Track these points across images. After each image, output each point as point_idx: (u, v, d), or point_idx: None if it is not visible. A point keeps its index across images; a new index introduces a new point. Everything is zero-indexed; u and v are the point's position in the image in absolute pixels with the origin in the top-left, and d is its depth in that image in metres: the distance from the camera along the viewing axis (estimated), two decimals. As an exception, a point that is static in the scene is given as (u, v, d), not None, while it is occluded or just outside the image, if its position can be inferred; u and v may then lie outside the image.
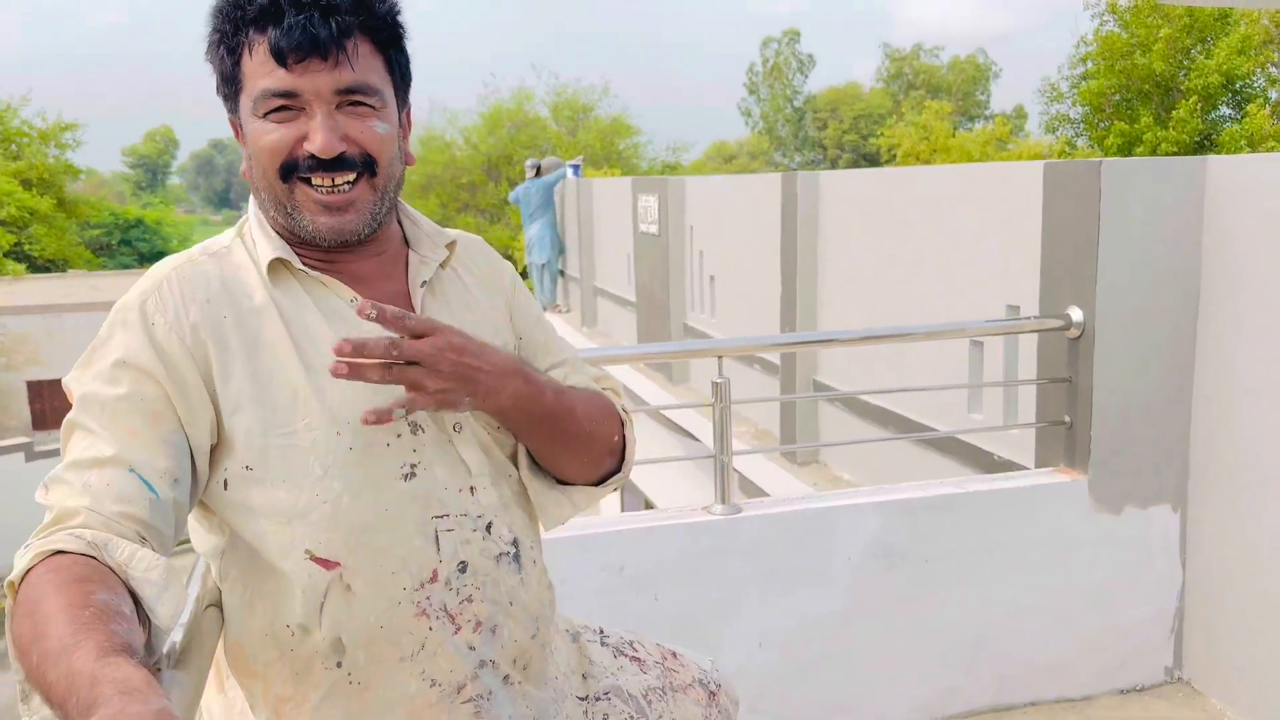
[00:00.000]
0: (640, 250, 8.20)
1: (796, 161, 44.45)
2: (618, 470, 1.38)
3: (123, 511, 1.05)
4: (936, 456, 4.26)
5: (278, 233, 1.23)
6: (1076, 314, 2.84)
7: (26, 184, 30.18)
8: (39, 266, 30.07)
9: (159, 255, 38.55)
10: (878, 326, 4.52)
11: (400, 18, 1.22)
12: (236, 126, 1.22)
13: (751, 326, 6.23)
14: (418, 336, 1.11)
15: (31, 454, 16.91)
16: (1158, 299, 2.84)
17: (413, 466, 1.20)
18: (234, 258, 1.23)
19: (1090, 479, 2.88)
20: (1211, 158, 2.86)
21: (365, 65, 1.17)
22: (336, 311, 1.22)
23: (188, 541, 1.25)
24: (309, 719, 1.21)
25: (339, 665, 1.19)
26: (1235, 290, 2.76)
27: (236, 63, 1.17)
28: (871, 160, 34.42)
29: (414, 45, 1.28)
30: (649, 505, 7.41)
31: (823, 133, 42.97)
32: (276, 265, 1.21)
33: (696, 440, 6.65)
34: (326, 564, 1.17)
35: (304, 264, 1.22)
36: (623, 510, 8.53)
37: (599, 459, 1.35)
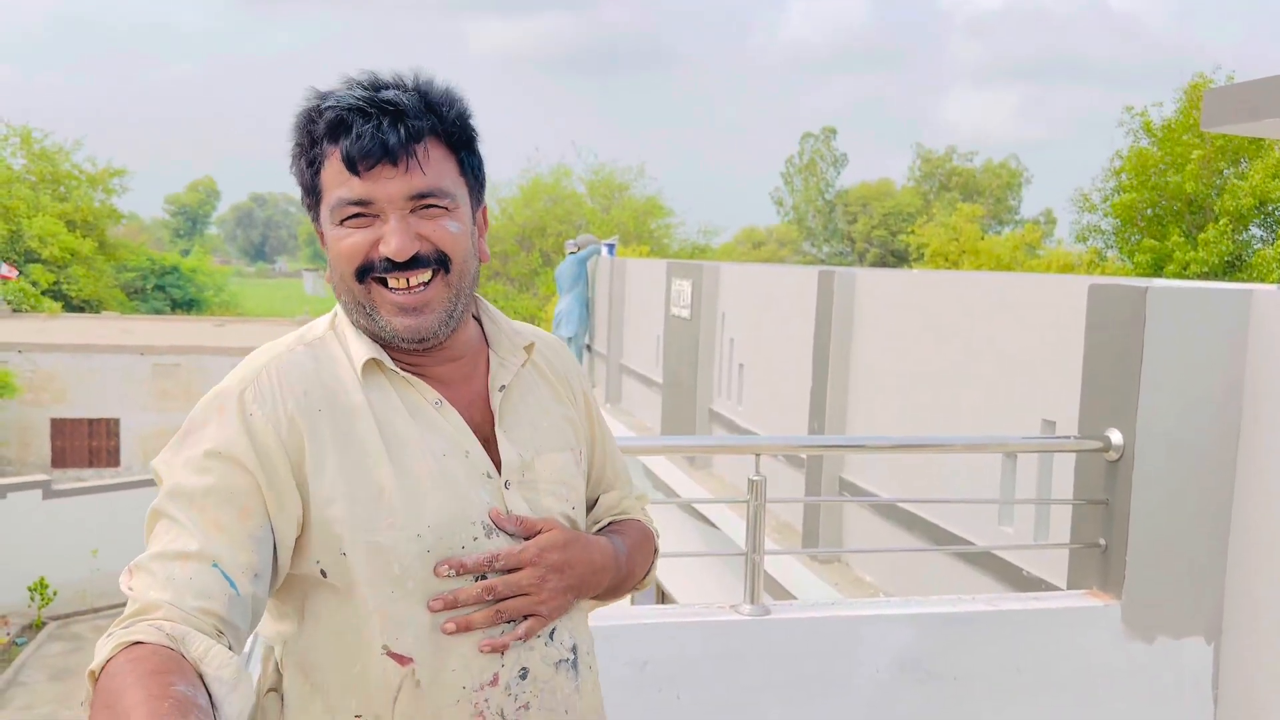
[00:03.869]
0: (671, 333, 8.25)
1: (825, 252, 44.86)
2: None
3: (202, 607, 1.06)
4: (963, 566, 4.20)
5: (371, 334, 1.25)
6: (1116, 436, 2.82)
7: (71, 225, 30.91)
8: (74, 306, 30.60)
9: (192, 302, 38.93)
10: (913, 435, 4.51)
11: (471, 121, 1.26)
12: (320, 234, 1.26)
13: (779, 417, 6.22)
14: (515, 568, 1.21)
15: (49, 491, 16.98)
16: (1198, 426, 2.82)
17: (476, 555, 1.22)
18: (329, 350, 1.25)
19: (1124, 605, 2.83)
20: (1256, 288, 2.88)
21: (437, 169, 1.20)
22: (422, 412, 1.24)
23: None
24: None
25: None
26: (1277, 421, 2.75)
27: (315, 174, 1.21)
28: (899, 257, 34.70)
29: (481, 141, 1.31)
30: (663, 597, 7.31)
31: (852, 226, 43.42)
32: (370, 364, 1.24)
33: (715, 529, 6.59)
34: (401, 660, 1.18)
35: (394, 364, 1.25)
36: (632, 602, 8.41)
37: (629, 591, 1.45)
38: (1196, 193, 18.78)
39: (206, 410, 1.20)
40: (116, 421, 22.05)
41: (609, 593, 1.38)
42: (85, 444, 21.81)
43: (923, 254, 22.04)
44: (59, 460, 21.59)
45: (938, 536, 4.35)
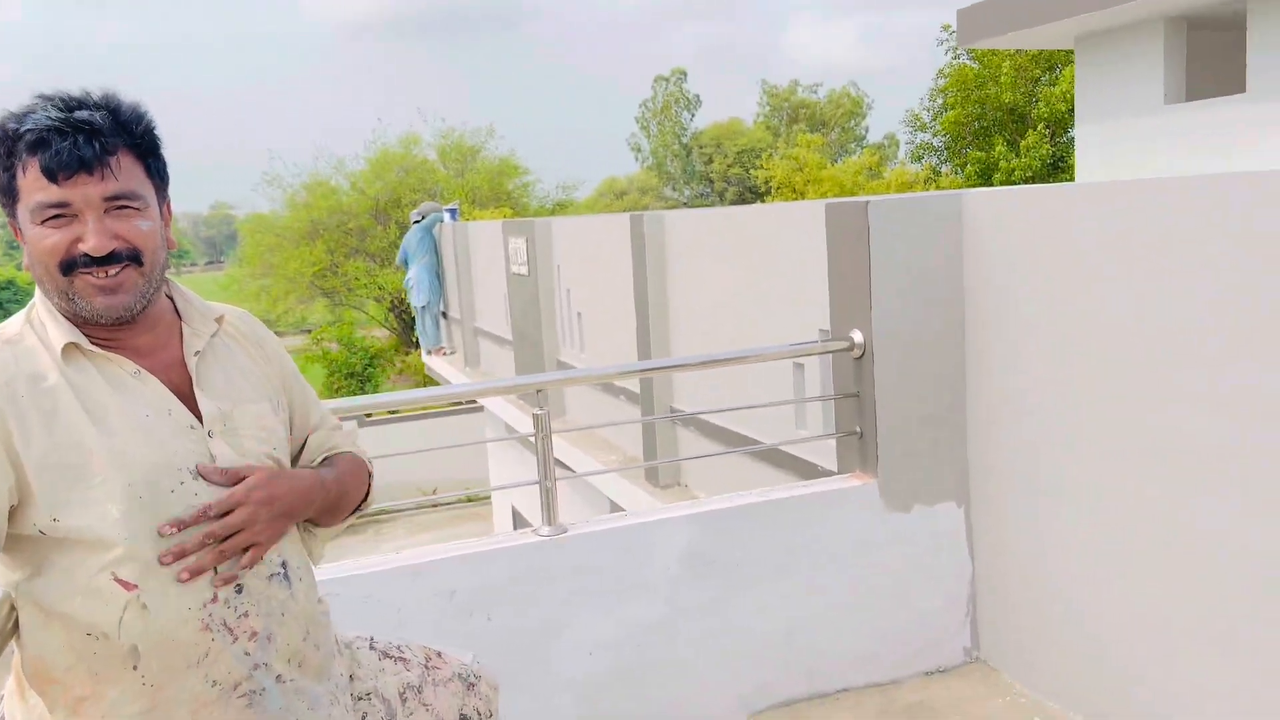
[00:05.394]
0: (513, 291, 8.43)
1: (686, 195, 45.35)
2: (358, 509, 1.71)
3: None
4: (775, 472, 4.58)
5: (65, 317, 1.45)
6: (858, 336, 3.18)
7: (-117, 248, 28.80)
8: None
9: (33, 315, 37.16)
10: (678, 357, 4.86)
11: (155, 131, 1.48)
12: (16, 229, 1.45)
13: (616, 359, 6.50)
14: (226, 513, 1.42)
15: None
16: (928, 320, 3.20)
17: (193, 507, 1.43)
18: (26, 343, 1.45)
19: (880, 482, 3.21)
20: (966, 193, 3.25)
21: (127, 174, 1.43)
22: (120, 381, 1.45)
23: None
24: (106, 714, 1.42)
25: (135, 668, 1.41)
26: (995, 309, 3.14)
27: (12, 178, 1.41)
28: (755, 193, 35.44)
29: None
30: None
31: (709, 167, 43.98)
32: (69, 348, 1.43)
33: (570, 469, 6.87)
34: (127, 586, 1.39)
35: (92, 344, 1.45)
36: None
37: (350, 511, 1.69)
38: (1015, 102, 19.84)
39: None
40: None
41: (328, 514, 1.62)
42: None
43: (770, 187, 22.76)
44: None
45: (752, 449, 4.71)
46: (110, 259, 1.40)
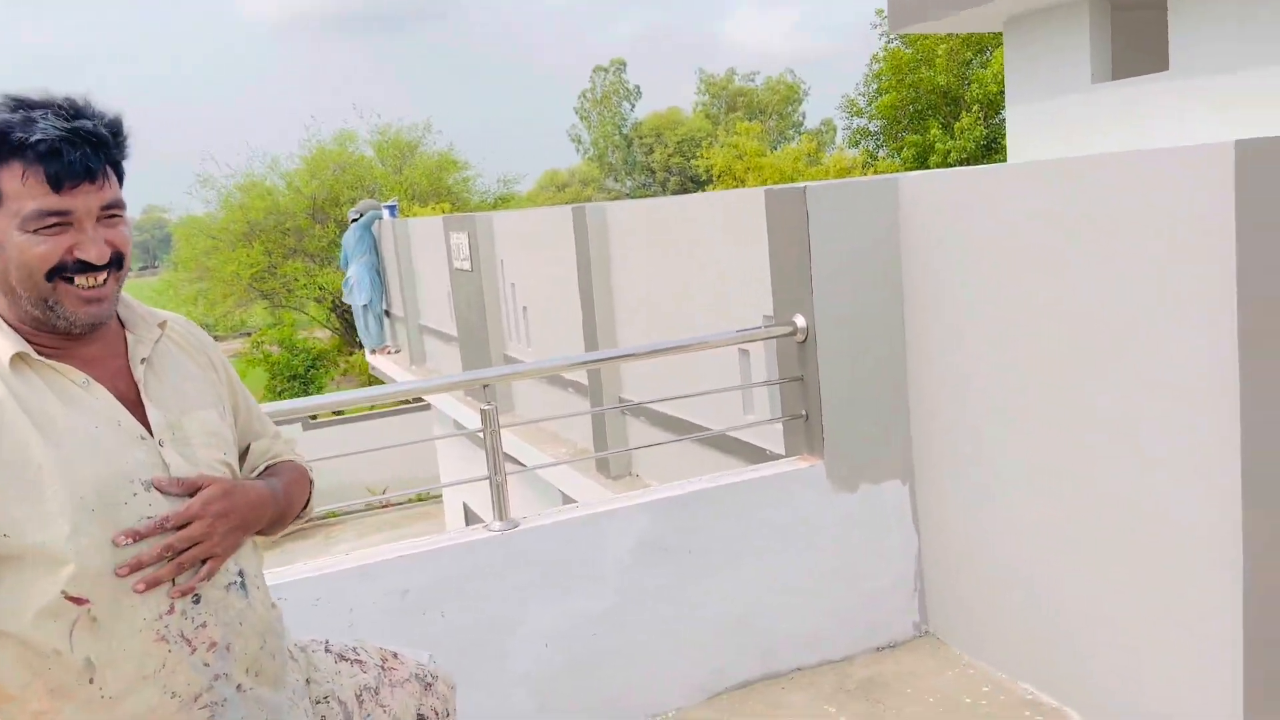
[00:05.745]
0: (457, 286, 8.36)
1: (629, 186, 45.34)
2: (298, 517, 1.73)
3: None
4: (725, 458, 4.61)
5: (18, 324, 1.43)
6: (800, 320, 3.22)
7: None
8: None
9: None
10: (622, 348, 4.89)
11: (129, 141, 1.49)
12: None
13: (563, 352, 6.49)
14: (184, 525, 1.42)
15: None
16: (869, 302, 3.25)
17: (148, 519, 1.42)
18: None
19: (827, 463, 3.25)
20: (902, 177, 3.30)
21: (113, 182, 1.45)
22: (68, 393, 1.43)
23: None
24: None
25: (91, 681, 1.39)
26: (932, 290, 3.19)
27: None
28: (697, 182, 35.56)
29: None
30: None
31: (650, 157, 44.01)
32: (15, 359, 1.41)
33: (521, 463, 6.85)
34: (78, 601, 1.38)
35: (39, 354, 1.43)
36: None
37: (292, 520, 1.70)
38: (949, 85, 20.13)
39: None
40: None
41: (273, 525, 1.62)
42: None
43: (711, 176, 22.86)
44: None
45: (701, 435, 4.73)
46: (104, 266, 1.43)
